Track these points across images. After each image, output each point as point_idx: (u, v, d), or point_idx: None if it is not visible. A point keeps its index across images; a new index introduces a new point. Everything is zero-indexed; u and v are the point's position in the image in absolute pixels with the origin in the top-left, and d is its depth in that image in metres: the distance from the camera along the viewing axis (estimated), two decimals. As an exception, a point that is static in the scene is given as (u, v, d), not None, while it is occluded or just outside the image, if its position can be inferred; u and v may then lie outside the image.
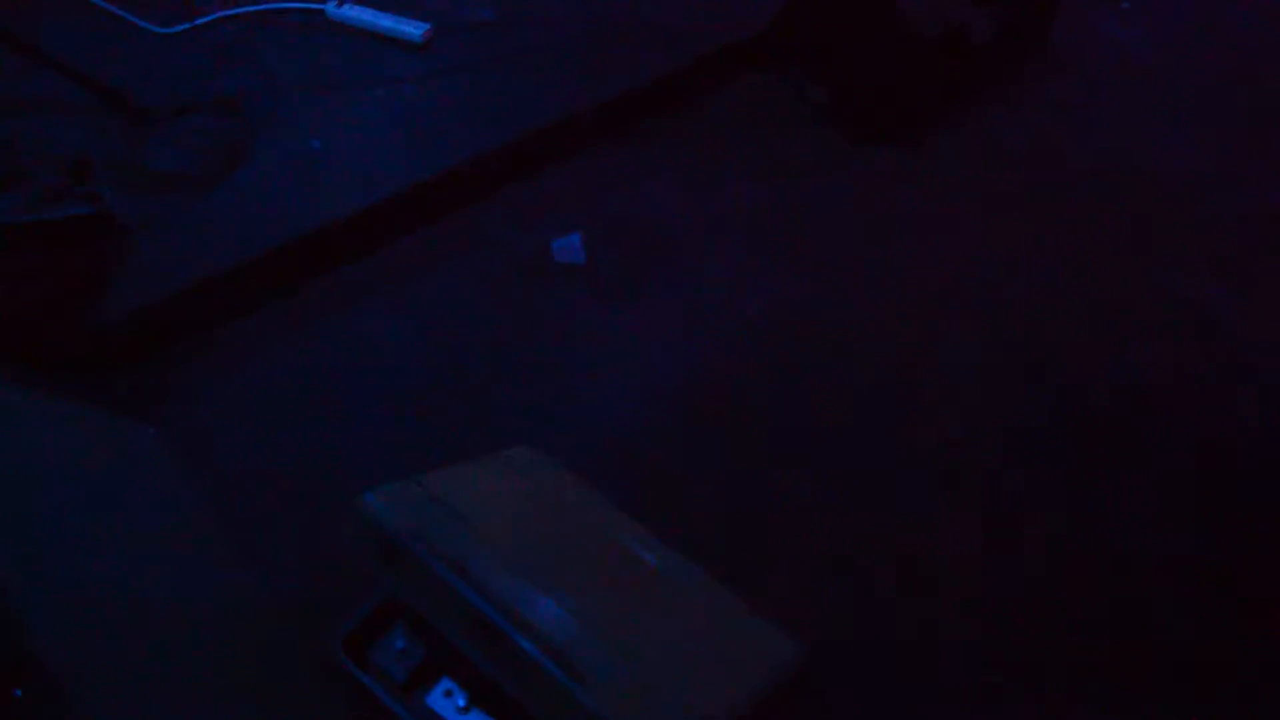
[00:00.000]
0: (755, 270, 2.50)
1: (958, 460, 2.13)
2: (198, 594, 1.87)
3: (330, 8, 2.89)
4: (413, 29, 2.84)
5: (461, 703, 1.48)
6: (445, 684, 1.51)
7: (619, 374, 2.27)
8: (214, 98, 2.69)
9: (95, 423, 2.12)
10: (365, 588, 1.59)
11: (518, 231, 2.55)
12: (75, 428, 2.07)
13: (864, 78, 2.78)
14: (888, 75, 2.76)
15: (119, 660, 1.49)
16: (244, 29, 2.88)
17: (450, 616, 1.41)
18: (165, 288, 2.28)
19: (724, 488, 2.08)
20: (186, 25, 2.86)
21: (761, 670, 1.53)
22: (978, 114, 2.94)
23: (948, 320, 2.42)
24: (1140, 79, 3.14)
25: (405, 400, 2.21)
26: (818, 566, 1.95)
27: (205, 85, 2.72)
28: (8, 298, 2.20)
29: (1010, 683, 1.80)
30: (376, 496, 1.50)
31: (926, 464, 2.13)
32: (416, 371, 2.27)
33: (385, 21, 2.86)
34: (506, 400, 2.22)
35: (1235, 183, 2.83)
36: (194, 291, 2.30)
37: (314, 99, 2.71)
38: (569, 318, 2.38)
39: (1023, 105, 3.01)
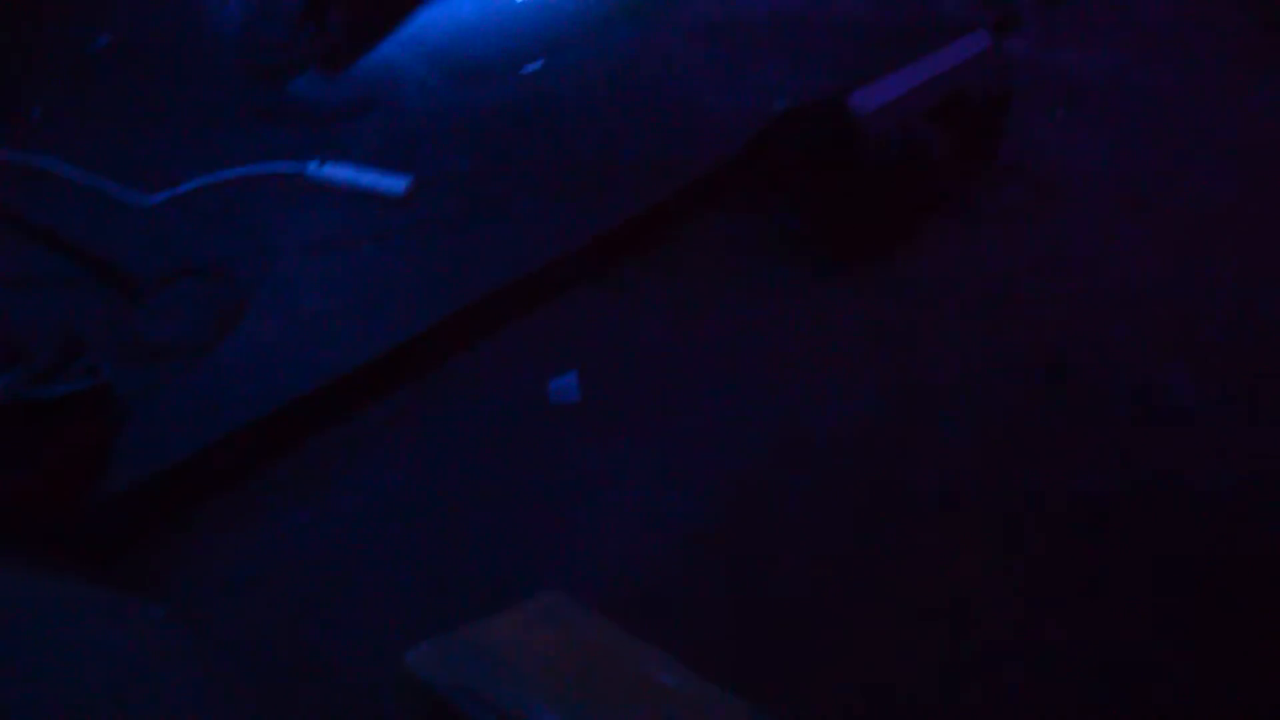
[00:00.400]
0: (747, 396, 2.55)
1: (963, 572, 2.16)
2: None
3: (311, 169, 2.97)
4: (394, 183, 2.92)
5: None
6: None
7: (623, 511, 2.29)
8: (202, 264, 2.73)
9: (105, 605, 2.09)
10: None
11: (513, 375, 2.58)
12: (85, 612, 2.05)
13: (832, 201, 2.88)
14: (854, 197, 2.86)
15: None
16: (226, 196, 2.94)
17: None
18: (167, 458, 2.28)
19: (735, 613, 2.09)
20: (168, 194, 2.92)
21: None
22: (941, 226, 3.05)
23: (931, 425, 2.48)
24: (1083, 181, 3.28)
25: (417, 552, 2.21)
26: (837, 680, 1.96)
27: (193, 252, 2.77)
28: (12, 478, 2.19)
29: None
30: (419, 655, 1.50)
31: (929, 575, 2.16)
32: (424, 522, 2.27)
33: (366, 178, 2.94)
34: (517, 544, 2.22)
35: (1185, 277, 2.94)
36: (196, 460, 2.30)
37: (302, 260, 2.76)
38: (570, 458, 2.40)
39: (981, 214, 3.13)
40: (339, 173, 2.96)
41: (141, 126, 3.24)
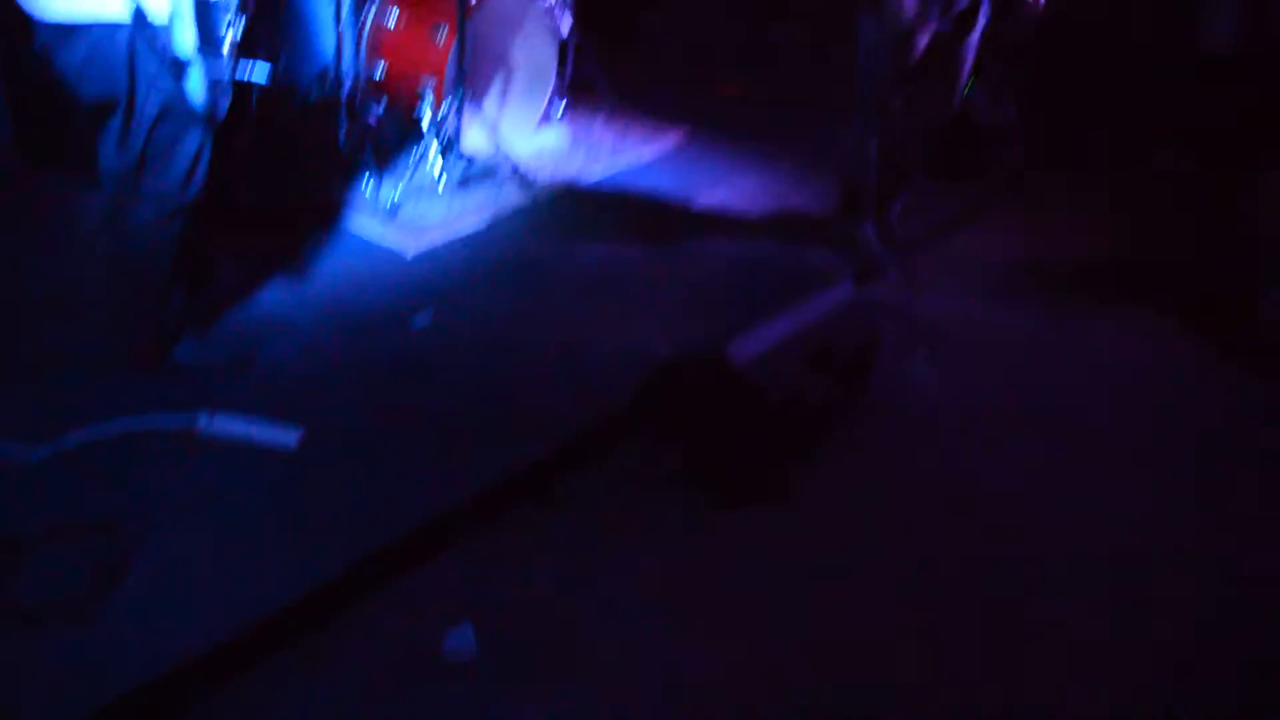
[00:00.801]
0: (649, 644, 2.56)
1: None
2: None
3: (200, 423, 2.97)
4: (285, 436, 2.94)
5: None
6: None
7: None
8: (84, 522, 2.67)
9: None
10: None
11: (407, 628, 2.55)
12: None
13: (717, 447, 3.02)
14: (738, 443, 3.00)
15: None
16: (112, 451, 2.91)
17: None
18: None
19: None
20: (50, 450, 2.88)
21: None
22: (822, 467, 3.17)
23: (832, 669, 2.52)
24: (951, 415, 3.49)
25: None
26: None
27: (75, 510, 2.71)
28: None
29: None
30: None
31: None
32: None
33: (256, 432, 2.95)
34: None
35: (1058, 500, 3.13)
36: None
37: (190, 515, 2.72)
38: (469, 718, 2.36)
39: (859, 452, 3.27)
40: (228, 426, 2.96)
41: (19, 381, 3.21)
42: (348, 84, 4.63)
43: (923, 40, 3.87)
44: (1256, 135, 4.70)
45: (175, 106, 2.87)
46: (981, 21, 3.98)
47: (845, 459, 3.23)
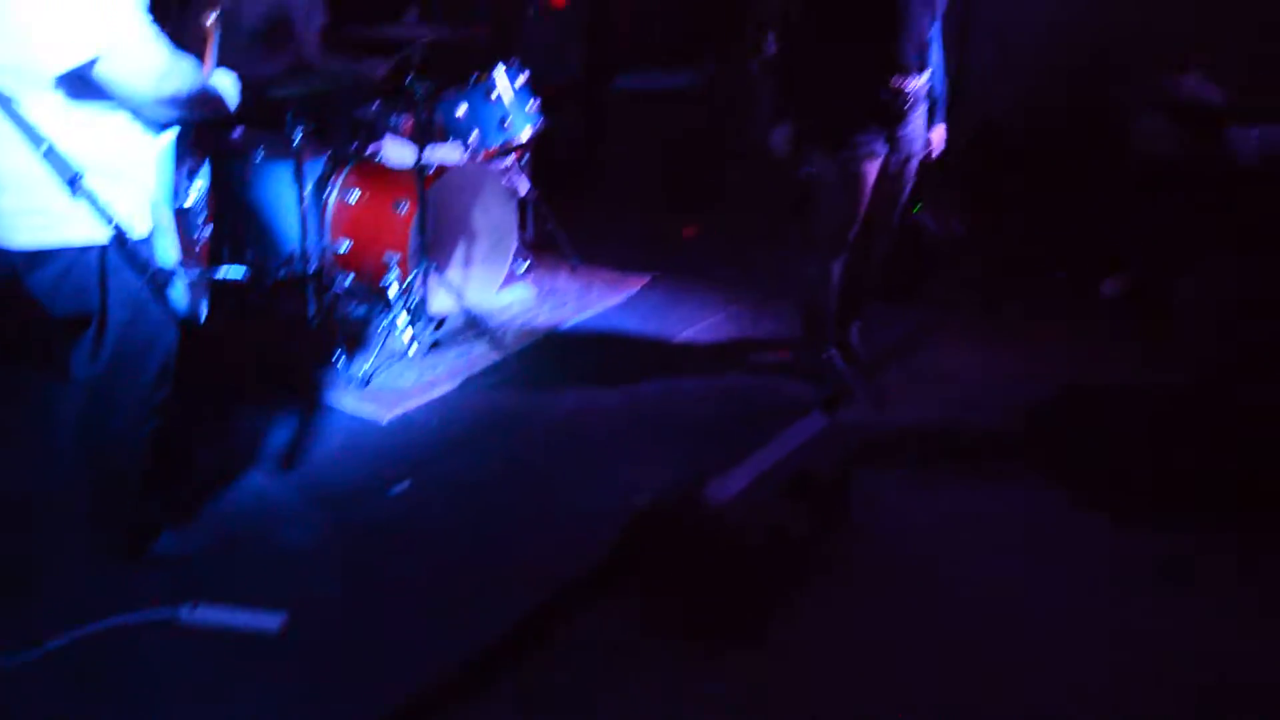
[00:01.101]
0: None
1: None
2: None
3: (183, 614, 2.96)
4: (267, 620, 2.93)
5: None
6: None
7: None
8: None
9: None
10: None
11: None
12: None
13: (702, 590, 3.03)
14: (723, 584, 3.01)
15: None
16: (95, 652, 2.87)
17: None
18: None
19: None
20: (34, 654, 2.85)
21: None
22: (808, 595, 3.15)
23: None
24: (928, 533, 3.49)
25: None
26: None
27: (61, 715, 2.67)
28: None
29: None
30: None
31: None
32: None
33: (240, 619, 2.94)
34: None
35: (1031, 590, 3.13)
36: None
37: (178, 713, 2.69)
38: None
39: (842, 578, 3.24)
40: (211, 615, 2.95)
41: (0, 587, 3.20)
42: (314, 262, 4.75)
43: (872, 173, 4.01)
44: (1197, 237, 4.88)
45: (148, 313, 2.91)
46: (921, 153, 4.14)
47: (829, 591, 3.19)
